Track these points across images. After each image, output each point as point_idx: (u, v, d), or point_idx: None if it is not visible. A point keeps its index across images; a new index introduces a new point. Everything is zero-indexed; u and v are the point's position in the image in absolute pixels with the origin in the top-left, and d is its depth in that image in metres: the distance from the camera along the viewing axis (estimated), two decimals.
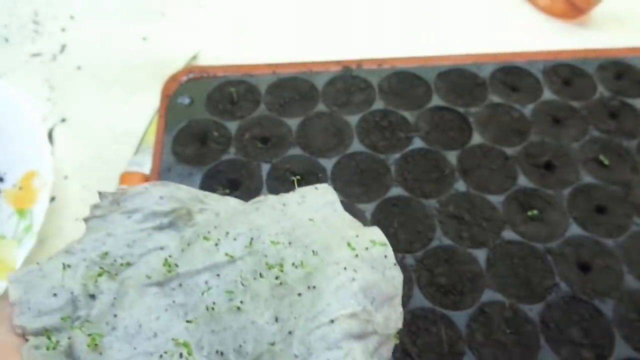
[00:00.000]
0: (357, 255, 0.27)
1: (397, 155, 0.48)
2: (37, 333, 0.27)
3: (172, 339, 0.27)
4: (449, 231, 0.43)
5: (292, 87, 0.53)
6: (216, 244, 0.29)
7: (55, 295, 0.28)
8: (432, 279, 0.41)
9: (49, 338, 0.27)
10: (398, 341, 0.27)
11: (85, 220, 0.31)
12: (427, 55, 0.56)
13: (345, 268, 0.27)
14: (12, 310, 0.28)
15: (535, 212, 0.44)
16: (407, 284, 0.41)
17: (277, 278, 0.27)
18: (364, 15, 0.66)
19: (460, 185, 0.46)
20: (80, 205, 0.50)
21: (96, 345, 0.26)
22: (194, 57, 0.61)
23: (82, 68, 0.60)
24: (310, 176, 0.47)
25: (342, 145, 0.49)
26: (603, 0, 0.61)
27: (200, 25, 0.65)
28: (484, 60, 0.55)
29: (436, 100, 0.52)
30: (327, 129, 0.50)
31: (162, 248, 0.30)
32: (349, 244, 0.28)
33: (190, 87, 0.53)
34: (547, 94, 0.53)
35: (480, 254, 0.42)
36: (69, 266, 0.29)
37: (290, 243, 0.28)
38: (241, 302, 0.27)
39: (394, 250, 0.42)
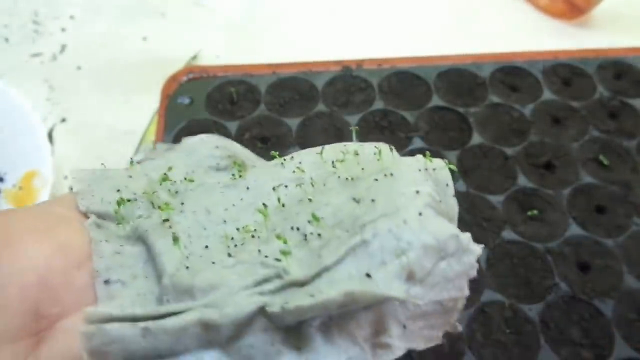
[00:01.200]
0: (425, 169, 0.27)
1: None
2: (99, 215, 0.26)
3: (243, 227, 0.26)
4: None
5: (292, 87, 0.53)
6: (282, 164, 0.29)
7: (118, 191, 0.28)
8: None
9: (116, 213, 0.26)
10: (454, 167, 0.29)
11: (139, 162, 0.31)
12: (427, 55, 0.56)
13: (419, 170, 0.27)
14: (75, 196, 0.27)
15: (535, 212, 0.45)
16: None
17: (348, 176, 0.27)
18: (364, 15, 0.66)
19: (460, 185, 0.46)
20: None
21: (167, 220, 0.25)
22: (194, 57, 0.61)
23: (82, 68, 0.60)
24: None
25: None
26: (603, 0, 0.61)
27: (200, 25, 0.65)
28: (483, 60, 0.55)
29: (436, 100, 0.52)
30: (327, 129, 0.50)
31: (219, 183, 0.29)
32: (415, 159, 0.28)
33: (190, 87, 0.53)
34: (547, 94, 0.53)
35: (481, 254, 0.42)
36: (130, 176, 0.29)
37: (357, 153, 0.28)
38: (312, 197, 0.26)
39: None
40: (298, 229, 0.25)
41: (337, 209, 0.25)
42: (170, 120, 0.50)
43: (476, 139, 0.49)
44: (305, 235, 0.25)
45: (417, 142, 0.49)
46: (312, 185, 0.27)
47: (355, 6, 0.67)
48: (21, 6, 0.66)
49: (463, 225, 0.44)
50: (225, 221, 0.26)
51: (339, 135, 0.49)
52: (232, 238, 0.25)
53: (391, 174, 0.26)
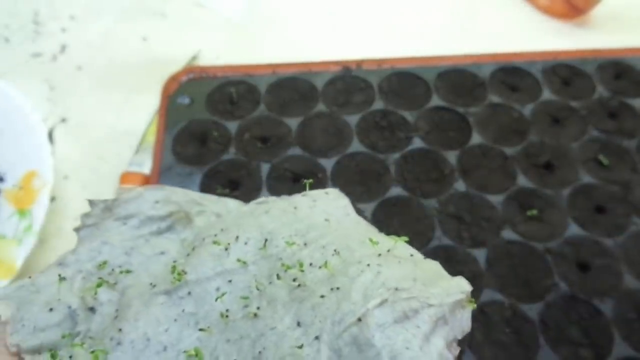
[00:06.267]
0: (380, 255, 0.25)
1: (397, 155, 0.48)
2: (33, 351, 0.25)
3: (184, 352, 0.25)
4: (449, 231, 0.43)
5: (292, 87, 0.53)
6: (226, 249, 0.27)
7: (51, 310, 0.26)
8: None
9: (52, 357, 0.24)
10: (474, 306, 0.25)
11: (77, 230, 0.29)
12: (427, 55, 0.56)
13: (369, 265, 0.24)
14: (4, 330, 0.25)
15: (534, 212, 0.45)
16: None
17: (294, 280, 0.25)
18: (364, 15, 0.66)
19: (460, 185, 0.46)
20: (80, 205, 0.50)
21: None
22: (194, 57, 0.61)
23: (82, 68, 0.60)
24: (310, 176, 0.47)
25: (342, 145, 0.49)
26: (603, 0, 0.61)
27: (200, 25, 0.65)
28: (483, 60, 0.55)
29: (436, 100, 0.52)
30: (327, 129, 0.50)
31: (162, 253, 0.28)
32: (371, 240, 0.26)
33: (190, 87, 0.53)
34: (547, 94, 0.53)
35: (480, 254, 0.42)
36: (64, 279, 0.27)
37: (305, 244, 0.27)
38: (258, 307, 0.25)
39: None
40: None
41: (280, 338, 0.24)
42: (170, 120, 0.50)
43: (476, 139, 0.49)
44: None
45: (417, 142, 0.49)
46: (257, 289, 0.26)
47: (355, 6, 0.67)
48: (21, 6, 0.66)
49: (463, 225, 0.44)
50: (165, 348, 0.25)
51: (339, 135, 0.49)
52: None
53: (337, 288, 0.24)
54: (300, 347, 0.23)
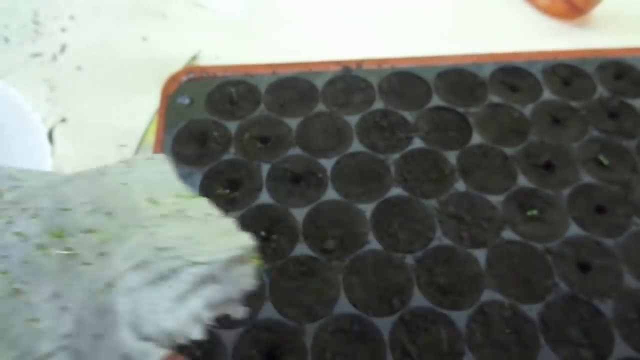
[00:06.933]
0: (164, 215, 0.23)
1: (397, 155, 0.48)
2: None
3: None
4: (449, 231, 0.43)
5: (292, 87, 0.53)
6: (8, 222, 0.25)
7: None
8: (432, 279, 0.41)
9: None
10: (259, 262, 0.23)
11: None
12: (427, 55, 0.56)
13: (144, 227, 0.23)
14: None
15: (534, 212, 0.45)
16: (406, 283, 0.41)
17: (69, 249, 0.23)
18: (364, 15, 0.66)
19: (460, 185, 0.46)
20: None
21: None
22: (194, 57, 0.61)
23: (82, 68, 0.60)
24: (310, 176, 0.47)
25: (342, 145, 0.49)
26: (603, 1, 0.61)
27: (200, 25, 0.65)
28: (483, 60, 0.55)
29: (436, 100, 0.52)
30: (327, 129, 0.50)
31: None
32: (153, 202, 0.24)
33: (190, 87, 0.53)
34: (547, 94, 0.53)
35: (480, 254, 0.42)
36: None
37: (93, 211, 0.24)
38: (23, 282, 0.23)
39: (393, 250, 0.42)
40: None
41: (31, 312, 0.22)
42: (170, 120, 0.50)
43: (476, 139, 0.49)
44: None
45: (417, 142, 0.49)
46: (26, 262, 0.24)
47: (355, 6, 0.67)
48: (21, 6, 0.66)
49: (463, 225, 0.44)
50: None
51: (339, 135, 0.49)
52: None
53: (106, 253, 0.22)
54: (37, 320, 0.21)
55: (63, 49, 0.62)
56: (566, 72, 0.55)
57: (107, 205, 0.25)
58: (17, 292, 0.23)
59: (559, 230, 0.44)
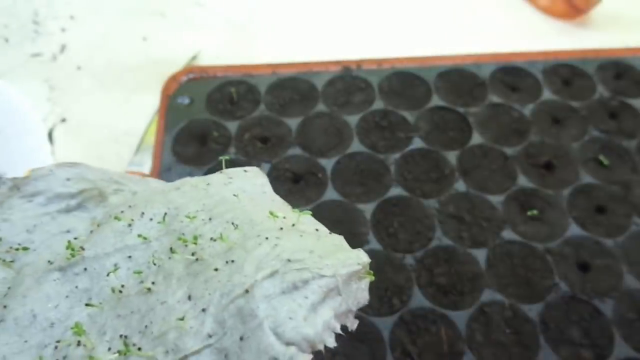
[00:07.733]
0: (281, 228, 0.25)
1: (397, 155, 0.48)
2: None
3: (72, 328, 0.24)
4: (449, 231, 0.43)
5: (292, 87, 0.53)
6: (129, 225, 0.27)
7: None
8: (432, 279, 0.41)
9: None
10: (372, 277, 0.25)
11: None
12: (427, 55, 0.56)
13: (267, 238, 0.24)
14: None
15: (535, 212, 0.45)
16: (406, 283, 0.41)
17: (193, 254, 0.25)
18: (364, 15, 0.66)
19: (460, 185, 0.46)
20: None
21: None
22: (194, 57, 0.61)
23: (82, 68, 0.60)
24: (310, 176, 0.47)
25: (342, 145, 0.49)
26: (603, 1, 0.61)
27: (200, 25, 0.65)
28: (484, 60, 0.55)
29: (436, 100, 0.52)
30: (327, 129, 0.50)
31: (68, 231, 0.27)
32: (272, 214, 0.26)
33: (190, 87, 0.53)
34: (547, 94, 0.53)
35: (480, 254, 0.42)
36: None
37: (210, 219, 0.26)
38: (153, 282, 0.25)
39: (393, 250, 0.42)
40: (126, 337, 0.24)
41: (168, 313, 0.24)
42: (170, 120, 0.50)
43: (476, 139, 0.49)
44: (128, 347, 0.24)
45: (417, 142, 0.49)
46: (154, 264, 0.26)
47: (355, 6, 0.67)
48: (21, 6, 0.66)
49: (463, 225, 0.44)
50: (52, 324, 0.25)
51: (339, 135, 0.49)
52: (56, 347, 0.24)
53: (233, 261, 0.24)
54: (183, 319, 0.23)
55: (63, 49, 0.62)
56: (566, 72, 0.55)
57: (223, 215, 0.26)
58: (149, 291, 0.25)
59: (559, 230, 0.44)
